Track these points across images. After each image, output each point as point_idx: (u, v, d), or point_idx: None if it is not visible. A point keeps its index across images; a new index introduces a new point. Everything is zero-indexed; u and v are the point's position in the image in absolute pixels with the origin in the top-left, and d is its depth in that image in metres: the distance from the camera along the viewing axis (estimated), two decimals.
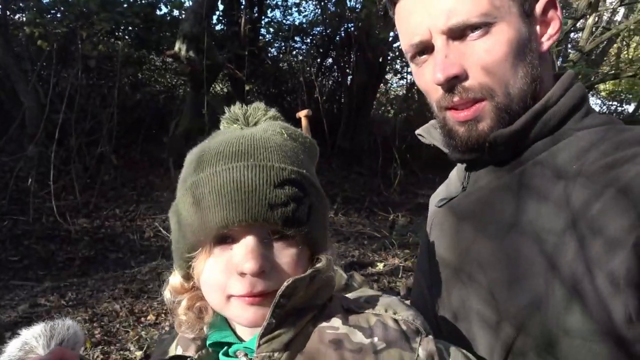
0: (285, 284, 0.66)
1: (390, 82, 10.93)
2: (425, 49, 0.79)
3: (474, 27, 0.74)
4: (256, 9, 8.74)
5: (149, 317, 3.33)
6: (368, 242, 5.58)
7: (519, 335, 0.71)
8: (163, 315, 3.36)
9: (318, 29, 9.58)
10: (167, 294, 0.78)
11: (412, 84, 10.38)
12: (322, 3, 9.00)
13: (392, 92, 11.36)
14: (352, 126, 9.27)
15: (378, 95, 10.36)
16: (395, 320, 0.71)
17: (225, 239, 0.70)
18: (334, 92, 10.06)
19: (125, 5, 7.49)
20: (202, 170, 0.71)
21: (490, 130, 0.77)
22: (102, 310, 3.38)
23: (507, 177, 0.80)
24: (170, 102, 8.36)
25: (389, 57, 9.45)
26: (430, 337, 0.70)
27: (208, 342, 0.77)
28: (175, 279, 0.78)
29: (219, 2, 7.63)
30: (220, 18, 8.53)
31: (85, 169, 6.29)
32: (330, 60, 9.94)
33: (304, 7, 9.72)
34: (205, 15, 6.25)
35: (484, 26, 0.73)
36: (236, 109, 0.80)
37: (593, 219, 0.64)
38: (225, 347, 0.76)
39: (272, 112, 0.80)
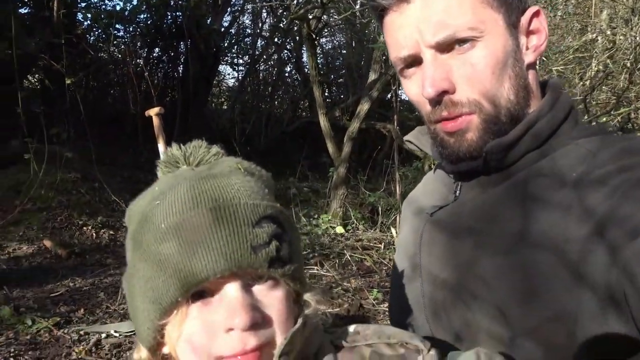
0: (284, 340, 0.61)
1: (223, 72, 10.72)
2: (413, 61, 0.79)
3: (461, 41, 0.74)
4: None
5: None
6: None
7: (543, 350, 0.71)
8: None
9: (142, 16, 8.88)
10: None
11: (246, 75, 10.32)
12: None
13: (225, 84, 11.17)
14: (188, 120, 8.86)
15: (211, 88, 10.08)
16: (391, 345, 0.68)
17: (201, 294, 0.62)
18: (165, 85, 9.48)
19: None
20: (162, 223, 0.62)
21: (480, 140, 0.78)
22: None
23: (503, 188, 0.81)
24: None
25: (222, 48, 9.22)
26: (433, 352, 0.66)
27: None
28: (140, 353, 0.68)
29: None
30: (27, 1, 7.35)
31: None
32: (158, 50, 9.31)
33: None
34: None
35: (472, 40, 0.74)
36: (174, 150, 0.72)
37: (624, 221, 0.65)
38: None
39: (215, 148, 0.73)
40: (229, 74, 10.70)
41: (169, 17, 8.71)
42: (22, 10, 7.28)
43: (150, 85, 7.97)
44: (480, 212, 0.81)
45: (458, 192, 0.87)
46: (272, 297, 0.63)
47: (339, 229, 5.80)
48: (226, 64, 10.19)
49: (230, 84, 11.03)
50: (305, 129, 10.12)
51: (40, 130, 5.66)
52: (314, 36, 6.74)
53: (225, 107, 10.54)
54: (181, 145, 0.72)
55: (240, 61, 10.39)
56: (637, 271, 0.60)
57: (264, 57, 10.21)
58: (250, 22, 10.39)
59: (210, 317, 0.61)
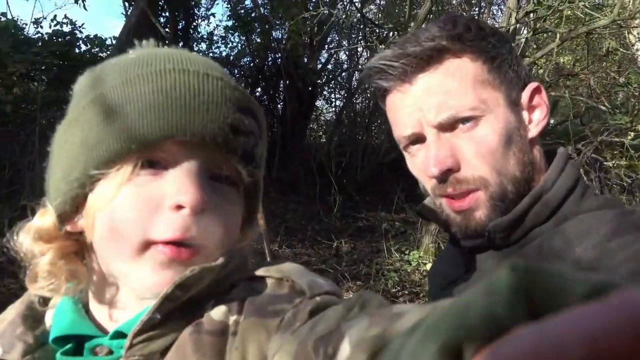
0: (189, 272, 0.50)
1: (321, 108, 11.08)
2: (417, 139, 0.81)
3: (464, 120, 0.76)
4: (182, 43, 8.57)
5: None
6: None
7: None
8: None
9: (245, 60, 9.55)
10: (25, 242, 0.56)
11: (343, 109, 10.59)
12: (248, 35, 9.00)
13: (322, 118, 11.52)
14: (287, 155, 9.26)
15: (310, 122, 10.47)
16: (280, 282, 0.56)
17: (154, 164, 0.52)
18: (266, 122, 10.02)
19: (39, 44, 7.10)
20: (138, 69, 0.54)
21: (488, 219, 0.79)
22: None
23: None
24: None
25: (318, 85, 9.58)
26: (319, 299, 0.53)
27: (53, 335, 0.54)
28: (45, 219, 0.56)
29: (144, 39, 7.40)
30: None
31: (10, 224, 5.79)
32: (259, 90, 9.91)
33: (230, 40, 9.64)
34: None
35: (474, 118, 0.76)
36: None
37: None
38: (72, 344, 0.54)
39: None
40: (326, 109, 10.99)
41: (269, 59, 9.26)
42: None
43: None
44: None
45: (469, 264, 0.88)
46: (227, 202, 0.55)
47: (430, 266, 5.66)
48: (323, 100, 10.53)
49: (329, 118, 11.33)
50: (402, 160, 10.00)
51: None
52: None
53: (323, 140, 10.85)
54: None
55: (338, 95, 10.67)
56: None
57: (360, 90, 10.38)
58: (346, 58, 10.66)
59: (156, 189, 0.52)
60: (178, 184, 0.51)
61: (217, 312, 0.53)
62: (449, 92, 0.76)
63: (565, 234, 0.76)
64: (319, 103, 10.64)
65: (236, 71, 9.71)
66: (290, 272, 0.57)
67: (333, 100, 10.51)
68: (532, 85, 0.83)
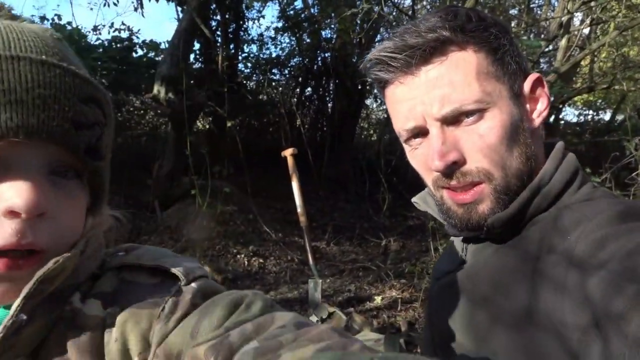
0: (52, 264, 0.47)
1: (371, 107, 11.04)
2: (419, 133, 0.80)
3: (468, 113, 0.75)
4: (232, 45, 8.79)
5: None
6: (363, 274, 5.52)
7: None
8: None
9: (295, 60, 9.67)
10: None
11: None
12: (297, 35, 9.10)
13: (374, 117, 11.47)
14: (336, 154, 9.29)
15: (359, 121, 10.44)
16: (151, 271, 0.55)
17: None
18: (315, 121, 10.11)
19: (100, 50, 7.50)
20: None
21: (491, 212, 0.78)
22: None
23: (514, 256, 0.79)
24: (153, 143, 8.30)
25: (367, 83, 9.55)
26: (195, 285, 0.53)
27: None
28: None
29: (195, 42, 7.66)
30: (198, 57, 8.57)
31: None
32: (309, 90, 10.01)
33: (279, 41, 9.79)
34: (182, 56, 6.25)
35: (478, 112, 0.75)
36: None
37: (615, 318, 0.61)
38: None
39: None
40: (376, 107, 10.93)
41: (319, 58, 9.32)
42: (195, 66, 8.46)
43: (301, 122, 8.58)
44: (494, 281, 0.81)
45: (465, 254, 0.88)
46: (70, 196, 0.51)
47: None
48: (373, 98, 10.48)
49: (379, 116, 11.27)
50: None
51: (205, 169, 6.49)
52: None
53: (373, 139, 10.81)
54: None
55: None
56: None
57: None
58: None
59: None
60: (14, 188, 0.46)
61: (90, 307, 0.52)
62: (453, 85, 0.74)
63: (560, 224, 0.74)
64: (368, 101, 10.60)
65: (286, 71, 9.86)
66: (160, 258, 0.56)
67: (381, 99, 10.43)
68: (533, 76, 0.80)
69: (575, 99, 11.34)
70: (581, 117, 12.90)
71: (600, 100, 12.15)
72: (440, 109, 0.75)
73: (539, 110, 0.81)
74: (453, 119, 0.75)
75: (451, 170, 0.77)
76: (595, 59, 7.35)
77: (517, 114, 0.77)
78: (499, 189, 0.77)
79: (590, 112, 12.83)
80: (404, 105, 0.79)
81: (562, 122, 12.27)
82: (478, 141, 0.75)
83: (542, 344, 0.70)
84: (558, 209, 0.77)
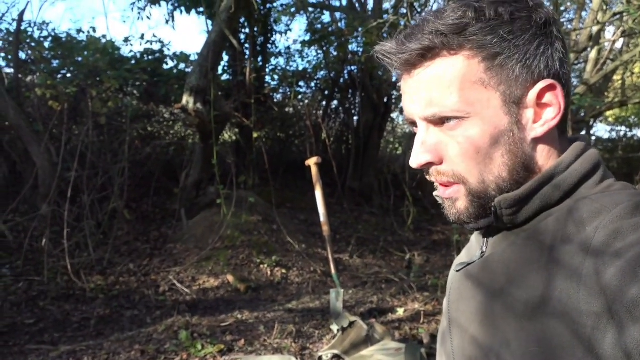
0: None
1: (397, 120, 11.02)
2: (415, 124, 0.84)
3: (448, 118, 0.76)
4: (260, 57, 8.93)
5: None
6: (386, 286, 5.48)
7: None
8: None
9: (322, 73, 9.75)
10: None
11: None
12: (324, 49, 9.19)
13: (399, 130, 11.44)
14: (360, 166, 9.28)
15: (385, 134, 10.42)
16: None
17: None
18: (341, 134, 10.14)
19: (132, 62, 7.71)
20: None
21: (466, 210, 0.80)
22: None
23: (530, 247, 0.78)
24: (180, 153, 8.45)
25: (393, 97, 9.54)
26: None
27: None
28: None
29: (224, 53, 7.81)
30: (226, 69, 8.72)
31: (98, 225, 6.30)
32: (335, 102, 10.06)
33: (306, 54, 9.89)
34: (211, 67, 6.37)
35: (456, 119, 0.76)
36: None
37: (630, 305, 0.61)
38: None
39: None
40: (402, 121, 10.91)
41: (345, 71, 9.38)
42: (223, 77, 8.61)
43: (327, 134, 8.62)
44: (509, 272, 0.81)
45: (485, 247, 0.88)
46: None
47: None
48: (399, 112, 10.47)
49: (405, 130, 11.24)
50: None
51: (230, 179, 6.57)
52: None
53: (399, 152, 10.77)
54: None
55: None
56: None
57: None
58: None
59: None
60: None
61: None
62: (437, 89, 0.76)
63: (577, 215, 0.73)
64: (394, 115, 10.58)
65: (312, 84, 9.94)
66: None
67: None
68: (546, 82, 0.77)
69: (607, 114, 11.09)
70: (613, 133, 12.60)
71: (633, 117, 11.86)
72: (424, 111, 0.77)
73: (545, 119, 0.77)
74: (436, 121, 0.77)
75: (427, 168, 0.80)
76: (628, 72, 7.19)
77: (507, 123, 0.76)
78: (474, 193, 0.78)
79: (623, 128, 12.52)
80: (405, 97, 0.83)
81: (594, 137, 12.00)
82: (456, 147, 0.76)
83: (555, 333, 0.69)
84: (575, 200, 0.75)
